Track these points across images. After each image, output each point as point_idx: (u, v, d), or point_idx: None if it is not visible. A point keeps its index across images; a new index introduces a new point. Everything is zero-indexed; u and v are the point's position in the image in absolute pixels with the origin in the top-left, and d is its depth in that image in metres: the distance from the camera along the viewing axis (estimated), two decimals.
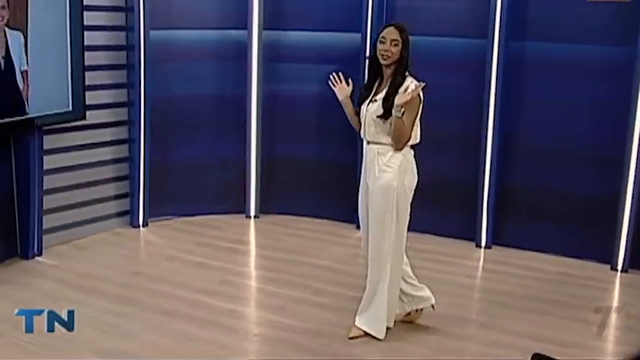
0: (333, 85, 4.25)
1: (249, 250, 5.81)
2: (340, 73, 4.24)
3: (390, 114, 3.90)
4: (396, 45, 3.93)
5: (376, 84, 4.07)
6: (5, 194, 5.18)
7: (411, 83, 3.94)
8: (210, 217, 6.23)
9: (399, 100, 3.87)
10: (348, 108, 4.22)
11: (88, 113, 5.46)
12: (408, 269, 4.25)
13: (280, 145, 6.30)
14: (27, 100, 4.96)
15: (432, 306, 4.28)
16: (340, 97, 4.23)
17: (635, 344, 4.12)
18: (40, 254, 5.31)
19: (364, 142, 4.13)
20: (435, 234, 5.86)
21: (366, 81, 4.17)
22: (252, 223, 6.25)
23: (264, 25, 6.13)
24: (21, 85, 4.89)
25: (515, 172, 5.66)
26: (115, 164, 5.94)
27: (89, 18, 5.42)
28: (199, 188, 6.27)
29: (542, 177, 5.58)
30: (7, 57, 4.78)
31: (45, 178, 5.31)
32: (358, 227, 5.96)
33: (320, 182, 6.28)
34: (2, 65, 4.76)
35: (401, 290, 4.18)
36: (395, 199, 3.96)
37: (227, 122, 6.26)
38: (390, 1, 5.85)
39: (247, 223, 6.25)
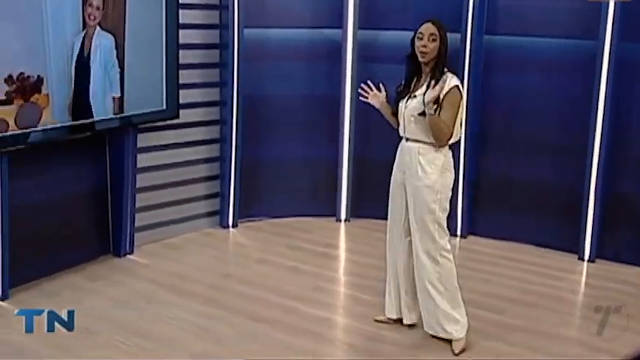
0: (364, 97, 4.14)
1: (340, 255, 5.65)
2: (369, 81, 4.14)
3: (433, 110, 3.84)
4: (434, 40, 3.87)
5: (414, 81, 4.00)
6: (100, 192, 5.21)
7: (450, 79, 3.86)
8: (300, 219, 6.12)
9: (427, 97, 3.81)
10: (387, 111, 4.14)
11: (180, 112, 5.43)
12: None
13: (373, 147, 6.10)
14: (122, 102, 4.97)
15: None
16: (377, 105, 4.15)
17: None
18: (131, 252, 5.32)
19: (402, 140, 4.04)
20: (534, 244, 5.60)
21: (404, 79, 4.05)
22: (342, 227, 6.11)
23: (359, 24, 5.98)
24: (100, 89, 4.82)
25: (624, 180, 5.32)
26: (206, 164, 5.90)
27: (184, 16, 5.39)
28: (289, 189, 6.17)
29: None
30: (87, 57, 4.74)
31: (137, 176, 5.32)
32: (453, 234, 5.82)
33: None
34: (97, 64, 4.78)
35: (407, 293, 4.13)
36: (439, 200, 3.91)
37: (319, 123, 6.14)
38: (492, 1, 5.61)
39: (337, 226, 6.12)
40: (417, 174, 3.92)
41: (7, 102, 4.25)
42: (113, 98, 4.90)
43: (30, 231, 4.71)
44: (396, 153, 5.89)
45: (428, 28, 3.90)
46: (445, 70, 3.89)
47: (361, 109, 6.03)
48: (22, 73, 4.30)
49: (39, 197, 4.76)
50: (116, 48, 4.85)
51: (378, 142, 6.11)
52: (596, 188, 5.31)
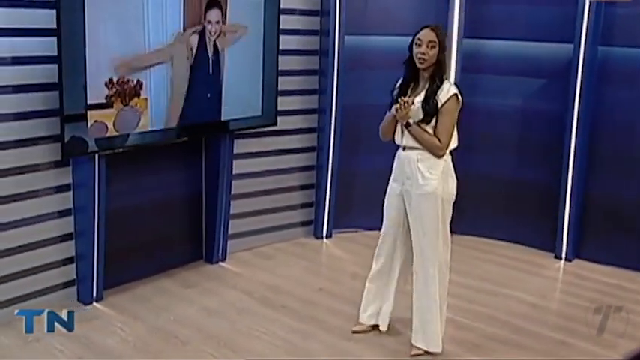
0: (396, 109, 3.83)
1: None
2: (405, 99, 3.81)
3: (432, 117, 3.76)
4: (433, 47, 3.79)
5: (410, 87, 3.88)
6: (195, 197, 5.17)
7: (449, 87, 3.80)
8: None
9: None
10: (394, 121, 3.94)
11: (278, 119, 5.33)
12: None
13: (475, 161, 5.82)
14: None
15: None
16: (397, 118, 3.85)
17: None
18: (223, 259, 5.26)
19: (399, 150, 3.95)
20: None
21: (399, 84, 3.95)
22: None
23: (464, 34, 5.74)
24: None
25: None
26: (302, 172, 5.79)
27: (284, 22, 5.28)
28: None
29: None
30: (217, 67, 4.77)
31: (233, 182, 5.24)
32: (557, 257, 5.51)
33: (516, 204, 5.79)
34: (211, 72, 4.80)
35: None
36: (442, 207, 3.83)
37: None
38: (609, 9, 5.26)
39: None
40: (418, 182, 3.81)
41: (107, 105, 4.25)
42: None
43: (125, 234, 4.71)
44: (499, 168, 5.78)
45: (426, 34, 3.80)
46: (444, 77, 3.81)
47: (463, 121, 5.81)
48: (122, 77, 4.29)
49: (134, 201, 4.76)
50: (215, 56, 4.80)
51: (481, 156, 5.87)
52: None
